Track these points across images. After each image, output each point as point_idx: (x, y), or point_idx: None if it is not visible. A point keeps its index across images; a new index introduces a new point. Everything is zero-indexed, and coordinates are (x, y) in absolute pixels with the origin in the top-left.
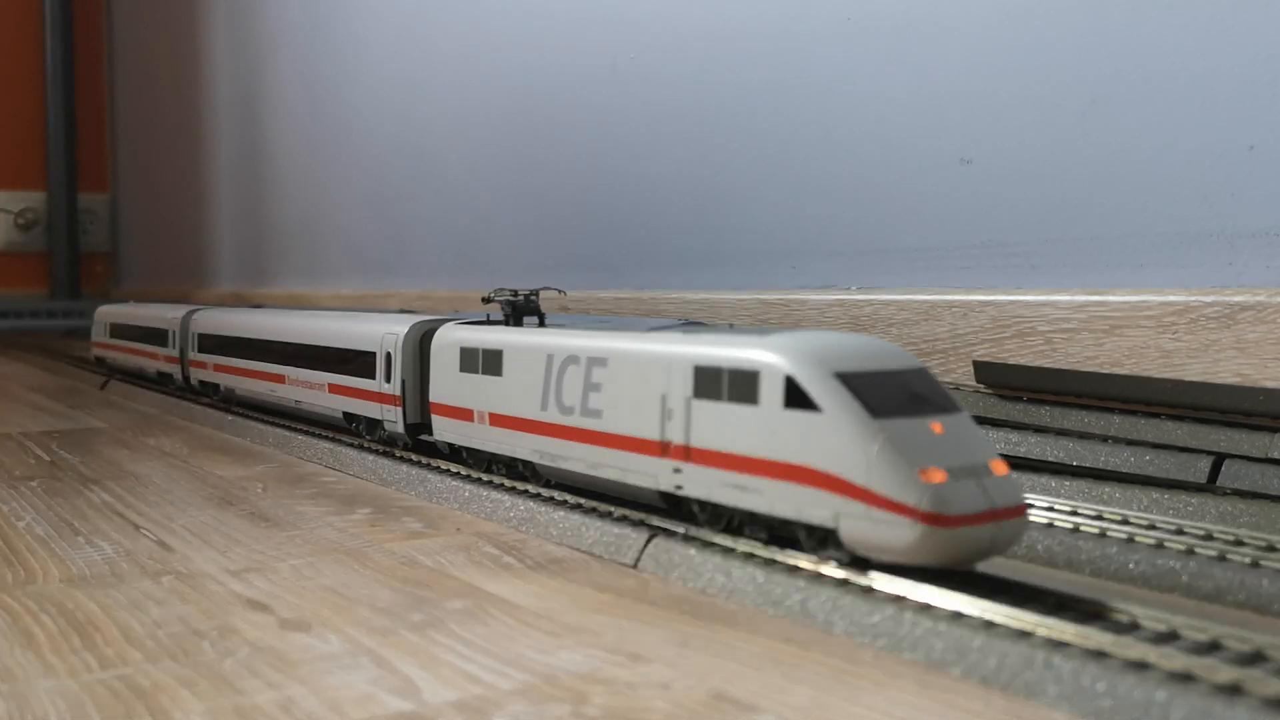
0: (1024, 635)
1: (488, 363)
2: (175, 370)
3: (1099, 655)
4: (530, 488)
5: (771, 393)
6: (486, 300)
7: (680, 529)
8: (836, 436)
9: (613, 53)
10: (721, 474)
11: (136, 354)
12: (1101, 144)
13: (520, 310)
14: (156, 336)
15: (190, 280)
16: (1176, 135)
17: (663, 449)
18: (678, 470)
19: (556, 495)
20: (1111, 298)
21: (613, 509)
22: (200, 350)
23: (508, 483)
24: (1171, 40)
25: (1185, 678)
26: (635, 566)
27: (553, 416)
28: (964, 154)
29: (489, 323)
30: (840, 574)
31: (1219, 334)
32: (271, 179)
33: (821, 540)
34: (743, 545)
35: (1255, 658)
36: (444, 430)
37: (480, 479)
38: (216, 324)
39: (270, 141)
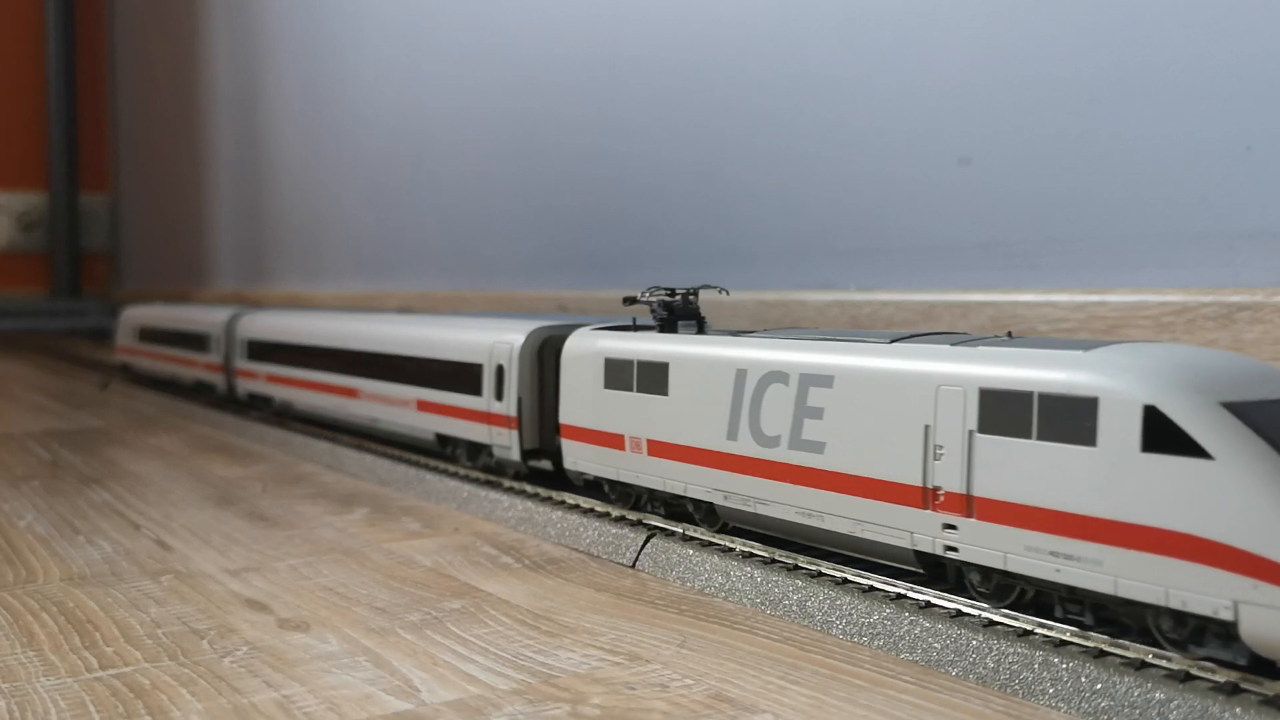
0: (1023, 635)
1: (647, 378)
2: (218, 380)
3: (1097, 655)
4: (528, 487)
5: (1120, 429)
6: (631, 301)
7: (678, 529)
8: (1239, 494)
9: (612, 53)
10: (1026, 535)
11: (171, 361)
12: (1100, 144)
13: (677, 313)
14: (195, 342)
15: (190, 280)
16: (1175, 135)
17: (926, 497)
18: (950, 527)
19: (555, 495)
20: (1110, 297)
21: (610, 509)
22: (250, 358)
23: (506, 482)
24: (1170, 40)
25: (1184, 678)
26: (633, 566)
27: (745, 448)
28: (963, 154)
29: (635, 328)
30: (840, 574)
31: (1217, 334)
32: (271, 179)
33: (1198, 632)
34: (741, 545)
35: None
36: (580, 459)
37: (479, 479)
38: (271, 328)
39: (270, 141)
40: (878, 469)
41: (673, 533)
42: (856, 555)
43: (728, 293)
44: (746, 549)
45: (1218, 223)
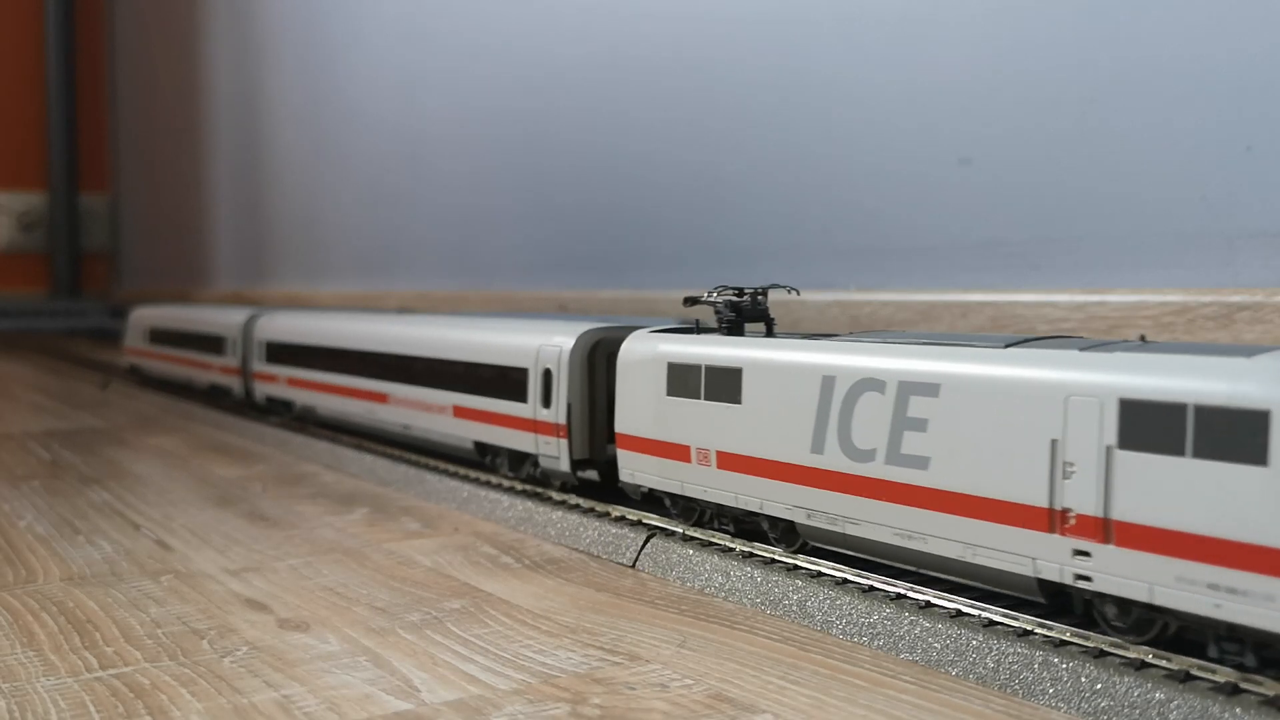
0: (1023, 635)
1: (717, 384)
2: (234, 383)
3: (1097, 655)
4: (527, 487)
5: None
6: (692, 301)
7: (678, 528)
8: None
9: (612, 53)
10: (1178, 565)
11: (183, 364)
12: (1100, 144)
13: (745, 315)
14: (210, 344)
15: (190, 280)
16: (1175, 135)
17: (1053, 520)
18: (1083, 554)
19: (554, 495)
20: (1110, 297)
21: (610, 509)
22: (269, 361)
23: (505, 482)
24: (1170, 40)
25: (1184, 678)
26: (633, 566)
27: (833, 462)
28: (963, 154)
29: (697, 331)
30: (840, 574)
31: (1217, 334)
32: (271, 179)
33: None
34: (741, 544)
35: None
36: (638, 470)
37: (478, 478)
38: (292, 329)
39: (270, 141)
40: (993, 488)
41: (673, 533)
42: (964, 582)
43: (798, 292)
44: (746, 549)
45: (1218, 223)
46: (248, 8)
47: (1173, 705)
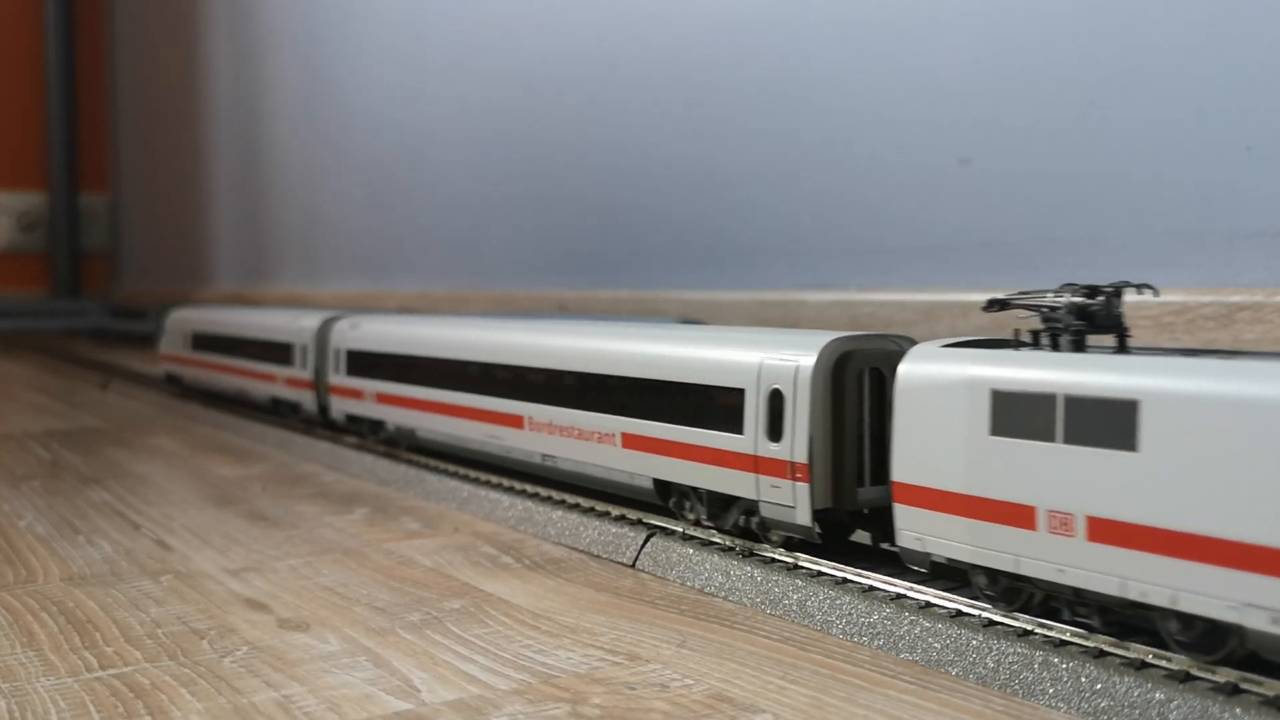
0: (1022, 635)
1: (1091, 422)
2: (305, 399)
3: (1097, 655)
4: (529, 486)
5: None
6: (999, 305)
7: (678, 528)
8: None
9: (612, 53)
10: None
11: (237, 374)
12: (1100, 144)
13: (1097, 323)
14: (272, 351)
15: (190, 280)
16: (1175, 135)
17: None
18: None
19: (555, 494)
20: None
21: (610, 508)
22: (351, 373)
23: (505, 482)
24: (1170, 41)
25: (1184, 678)
26: (633, 566)
27: None
28: (963, 154)
29: (1017, 345)
30: (840, 573)
31: (1217, 334)
32: (271, 179)
33: None
34: (741, 544)
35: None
36: (933, 534)
37: (478, 478)
38: (384, 336)
39: (270, 142)
40: None
41: (673, 532)
42: None
43: (1157, 293)
44: (746, 548)
45: (1218, 223)
46: (248, 8)
47: (1173, 705)
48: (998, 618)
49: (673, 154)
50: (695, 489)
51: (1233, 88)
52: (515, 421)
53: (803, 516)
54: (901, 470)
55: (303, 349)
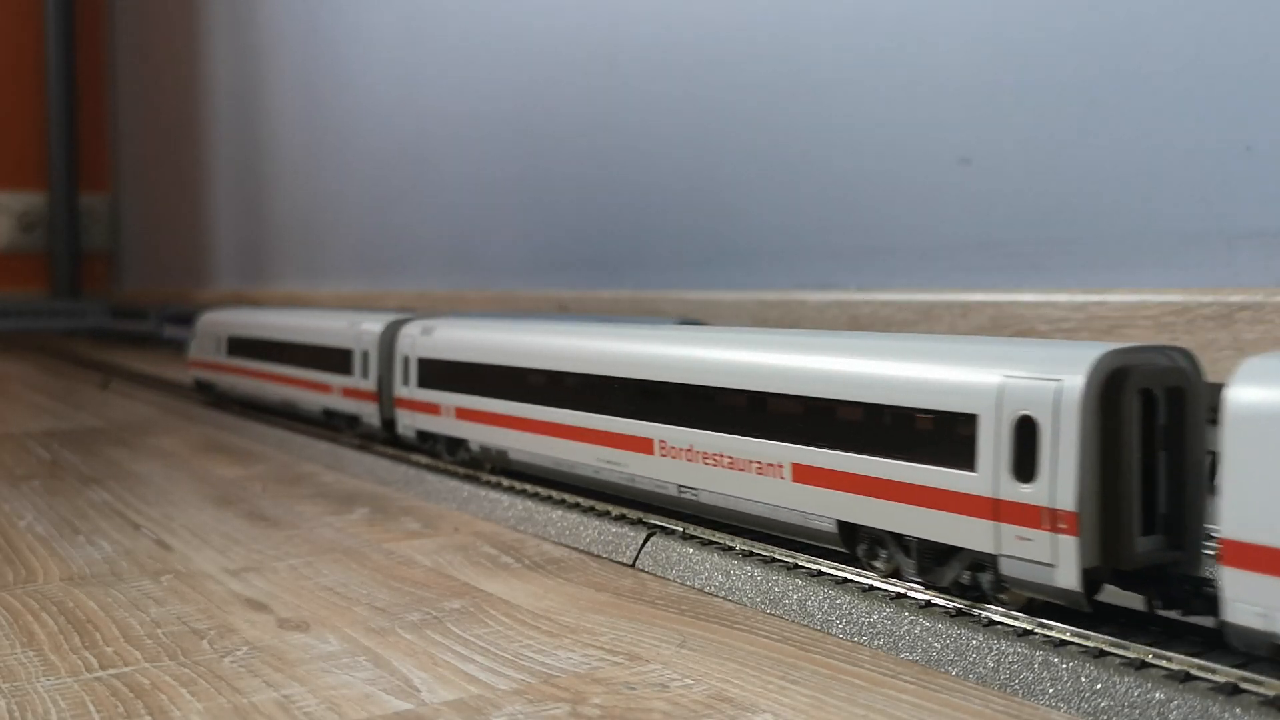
0: (1022, 635)
1: None
2: (368, 411)
3: (1097, 655)
4: (529, 486)
5: None
6: None
7: (679, 527)
8: None
9: (612, 53)
10: None
11: (283, 382)
12: (1100, 144)
13: None
14: (327, 358)
15: (190, 280)
16: (1175, 136)
17: None
18: None
19: (554, 494)
20: (1110, 297)
21: (610, 508)
22: (424, 384)
23: (505, 482)
24: (1170, 41)
25: (1184, 678)
26: (633, 565)
27: None
28: (963, 154)
29: None
30: (840, 573)
31: (1217, 334)
32: (271, 178)
33: None
34: (741, 544)
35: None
36: None
37: (478, 478)
38: (466, 344)
39: (270, 141)
40: None
41: (672, 531)
42: None
43: None
44: (746, 548)
45: (1218, 223)
46: (248, 8)
47: (1173, 705)
48: (998, 617)
49: (673, 153)
50: (899, 536)
51: (1233, 88)
52: (643, 445)
53: (1066, 578)
54: (1235, 524)
55: (363, 355)
